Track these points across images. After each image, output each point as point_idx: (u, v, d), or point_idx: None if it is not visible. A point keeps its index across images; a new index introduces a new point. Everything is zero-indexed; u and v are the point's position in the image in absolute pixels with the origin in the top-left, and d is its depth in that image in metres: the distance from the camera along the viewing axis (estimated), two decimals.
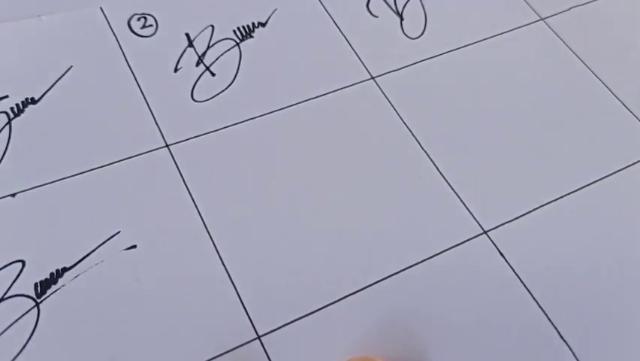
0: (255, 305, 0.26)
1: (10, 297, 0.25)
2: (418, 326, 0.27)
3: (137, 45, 0.33)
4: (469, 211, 0.30)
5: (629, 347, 0.27)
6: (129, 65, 0.32)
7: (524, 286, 0.28)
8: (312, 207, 0.29)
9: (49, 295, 0.26)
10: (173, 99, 0.32)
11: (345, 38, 0.34)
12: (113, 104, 0.31)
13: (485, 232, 0.29)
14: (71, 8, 0.34)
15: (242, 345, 0.25)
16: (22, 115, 0.30)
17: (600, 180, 0.31)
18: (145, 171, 0.29)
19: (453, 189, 0.30)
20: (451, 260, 0.28)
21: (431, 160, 0.31)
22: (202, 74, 0.33)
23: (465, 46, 0.35)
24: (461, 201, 0.30)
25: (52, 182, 0.28)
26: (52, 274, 0.26)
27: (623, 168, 0.31)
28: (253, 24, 0.35)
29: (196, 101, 0.32)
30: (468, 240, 0.29)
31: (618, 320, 0.28)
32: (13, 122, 0.30)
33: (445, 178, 0.30)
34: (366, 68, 0.33)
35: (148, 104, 0.31)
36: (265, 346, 0.25)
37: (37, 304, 0.25)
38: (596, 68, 0.34)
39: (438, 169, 0.31)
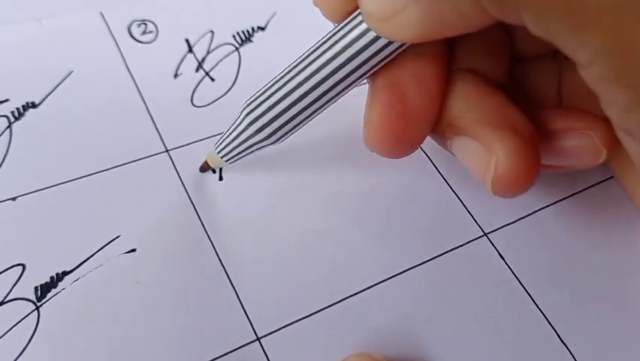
0: (254, 307, 0.26)
1: (10, 300, 0.25)
2: (418, 327, 0.27)
3: (138, 51, 0.33)
4: (470, 213, 0.30)
5: (629, 350, 0.27)
6: (129, 71, 0.32)
7: (524, 288, 0.28)
8: (312, 207, 0.29)
9: (49, 299, 0.26)
10: (173, 104, 0.32)
11: None
12: (113, 109, 0.31)
13: (485, 235, 0.29)
14: (72, 13, 0.34)
15: (241, 347, 0.25)
16: (22, 119, 0.30)
17: (606, 180, 0.31)
18: (145, 175, 0.29)
19: (453, 191, 0.30)
20: (452, 262, 0.28)
21: (431, 161, 0.31)
22: (202, 79, 0.33)
23: None
24: (462, 203, 0.30)
25: (52, 186, 0.28)
26: (52, 277, 0.26)
27: None
28: (252, 28, 0.35)
29: (196, 106, 0.32)
30: (468, 242, 0.29)
31: (618, 323, 0.28)
32: (13, 125, 0.30)
33: (445, 179, 0.31)
34: None
35: (148, 110, 0.31)
36: (265, 347, 0.25)
37: (38, 308, 0.25)
38: None
39: (438, 170, 0.31)
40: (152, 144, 0.30)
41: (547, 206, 0.30)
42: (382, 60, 0.24)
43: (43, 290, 0.26)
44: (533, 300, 0.28)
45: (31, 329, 0.25)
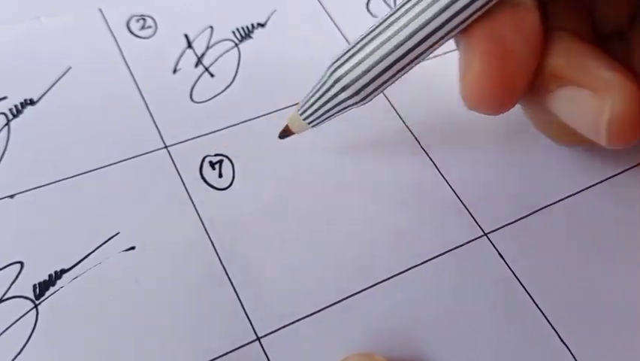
0: (254, 306, 0.26)
1: (8, 298, 0.25)
2: (418, 327, 0.27)
3: (136, 46, 0.33)
4: (470, 213, 0.30)
5: (630, 350, 0.27)
6: (128, 67, 0.32)
7: (524, 288, 0.28)
8: (312, 207, 0.29)
9: (47, 297, 0.26)
10: (172, 100, 0.32)
11: (345, 39, 0.34)
12: (112, 105, 0.31)
13: (486, 235, 0.29)
14: (70, 10, 0.34)
15: (241, 347, 0.25)
16: (20, 116, 0.30)
17: (606, 179, 0.31)
18: (144, 172, 0.29)
19: (454, 191, 0.30)
20: (452, 262, 0.28)
21: (432, 161, 0.31)
22: (201, 75, 0.33)
23: None
24: (462, 202, 0.30)
25: (50, 183, 0.28)
26: (50, 275, 0.26)
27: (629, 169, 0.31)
28: (252, 25, 0.35)
29: (195, 102, 0.32)
30: (468, 242, 0.29)
31: (618, 323, 0.28)
32: (11, 123, 0.30)
33: (445, 179, 0.30)
34: None
35: (147, 106, 0.31)
36: (265, 347, 0.25)
37: (36, 306, 0.25)
38: None
39: (439, 170, 0.31)
40: (150, 140, 0.30)
41: (547, 206, 0.30)
42: (479, 8, 0.23)
43: (42, 288, 0.26)
44: (533, 300, 0.28)
45: (29, 327, 0.25)
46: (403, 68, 0.25)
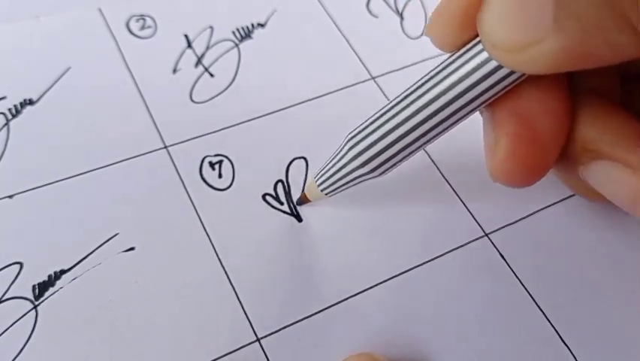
0: (254, 307, 0.26)
1: (7, 299, 0.25)
2: (418, 327, 0.26)
3: (136, 46, 0.33)
4: (471, 213, 0.30)
5: (630, 349, 0.27)
6: (128, 67, 0.32)
7: (524, 288, 0.28)
8: (310, 208, 0.29)
9: (47, 298, 0.26)
10: (172, 100, 0.32)
11: (345, 39, 0.34)
12: (112, 105, 0.31)
13: (486, 235, 0.29)
14: (69, 9, 0.34)
15: (241, 348, 0.25)
16: (19, 116, 0.30)
17: None
18: (143, 172, 0.29)
19: (454, 191, 0.30)
20: (452, 262, 0.28)
21: (433, 161, 0.31)
22: (201, 75, 0.33)
23: None
24: (463, 203, 0.30)
25: (50, 183, 0.28)
26: (50, 276, 0.26)
27: None
28: (252, 25, 0.35)
29: (195, 102, 0.32)
30: (469, 242, 0.29)
31: (619, 322, 0.27)
32: (10, 123, 0.30)
33: (446, 179, 0.30)
34: (366, 68, 0.33)
35: (147, 106, 0.31)
36: (265, 348, 0.25)
37: (35, 307, 0.25)
38: None
39: (439, 170, 0.31)
40: (150, 140, 0.30)
41: (547, 206, 0.30)
42: (502, 90, 0.22)
43: (41, 289, 0.26)
44: (534, 300, 0.28)
45: (29, 328, 0.25)
46: (426, 143, 0.24)
